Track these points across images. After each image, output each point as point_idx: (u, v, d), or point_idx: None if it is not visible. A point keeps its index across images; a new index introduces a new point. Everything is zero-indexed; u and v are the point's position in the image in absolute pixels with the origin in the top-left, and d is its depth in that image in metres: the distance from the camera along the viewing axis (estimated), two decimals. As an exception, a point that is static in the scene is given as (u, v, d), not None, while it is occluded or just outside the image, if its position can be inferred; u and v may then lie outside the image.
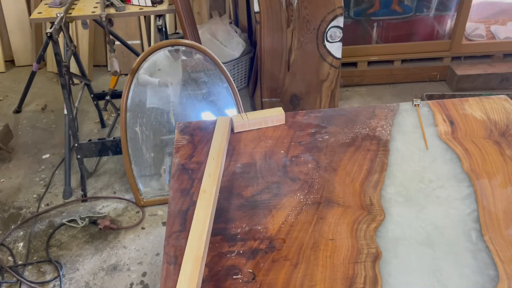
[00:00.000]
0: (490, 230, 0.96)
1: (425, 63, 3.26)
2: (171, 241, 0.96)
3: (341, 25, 2.48)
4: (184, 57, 2.15)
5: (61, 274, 1.90)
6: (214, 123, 1.29)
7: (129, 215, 2.20)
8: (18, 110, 3.03)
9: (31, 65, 3.02)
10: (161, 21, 2.22)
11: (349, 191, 1.07)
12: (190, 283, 0.84)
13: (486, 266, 0.89)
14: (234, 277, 0.89)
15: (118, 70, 2.04)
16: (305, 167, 1.15)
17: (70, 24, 2.58)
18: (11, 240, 2.08)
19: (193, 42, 2.14)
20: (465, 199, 1.05)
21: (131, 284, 1.86)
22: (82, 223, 2.14)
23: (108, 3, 2.15)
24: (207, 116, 2.24)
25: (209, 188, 1.05)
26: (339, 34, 2.49)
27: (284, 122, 1.31)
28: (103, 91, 2.71)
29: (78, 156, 2.26)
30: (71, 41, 2.25)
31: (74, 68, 2.88)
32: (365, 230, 0.97)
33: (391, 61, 3.24)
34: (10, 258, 1.99)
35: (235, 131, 1.28)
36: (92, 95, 2.68)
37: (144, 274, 1.90)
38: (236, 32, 3.10)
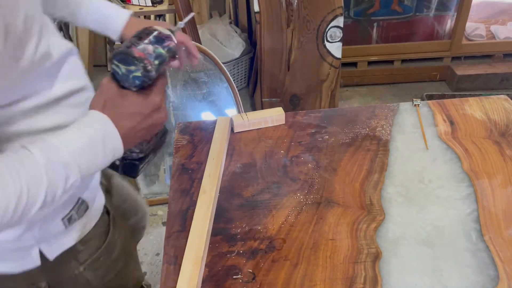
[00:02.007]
0: (490, 230, 0.96)
1: (425, 63, 3.26)
2: (171, 241, 0.96)
3: (341, 25, 2.48)
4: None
5: (61, 274, 1.89)
6: (214, 123, 1.29)
7: (129, 215, 2.20)
8: (18, 110, 3.03)
9: (31, 65, 3.01)
10: (161, 21, 2.22)
11: (349, 191, 1.07)
12: (190, 283, 0.84)
13: (486, 266, 0.89)
14: (234, 277, 0.89)
15: (118, 70, 2.04)
16: (305, 167, 1.15)
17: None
18: (11, 240, 2.07)
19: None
20: (465, 199, 1.04)
21: (131, 284, 1.86)
22: (82, 223, 2.14)
23: (108, 3, 2.15)
24: (207, 116, 2.24)
25: (209, 188, 1.05)
26: (339, 34, 2.50)
27: (284, 122, 1.31)
28: (103, 91, 2.70)
29: (78, 156, 2.26)
30: (71, 41, 2.25)
31: (74, 68, 2.87)
32: (365, 230, 0.97)
33: (391, 61, 3.24)
34: (10, 258, 1.99)
35: (235, 131, 1.28)
36: (92, 95, 2.68)
37: (144, 274, 1.90)
38: (236, 32, 3.10)
